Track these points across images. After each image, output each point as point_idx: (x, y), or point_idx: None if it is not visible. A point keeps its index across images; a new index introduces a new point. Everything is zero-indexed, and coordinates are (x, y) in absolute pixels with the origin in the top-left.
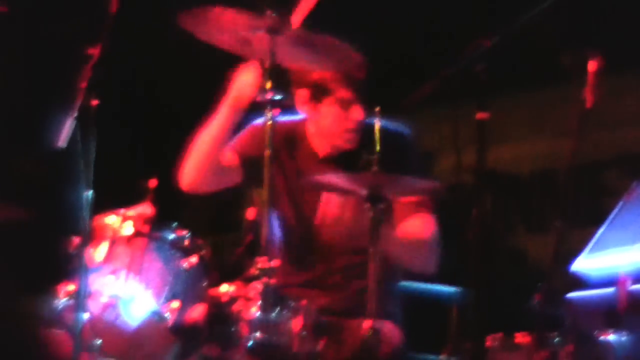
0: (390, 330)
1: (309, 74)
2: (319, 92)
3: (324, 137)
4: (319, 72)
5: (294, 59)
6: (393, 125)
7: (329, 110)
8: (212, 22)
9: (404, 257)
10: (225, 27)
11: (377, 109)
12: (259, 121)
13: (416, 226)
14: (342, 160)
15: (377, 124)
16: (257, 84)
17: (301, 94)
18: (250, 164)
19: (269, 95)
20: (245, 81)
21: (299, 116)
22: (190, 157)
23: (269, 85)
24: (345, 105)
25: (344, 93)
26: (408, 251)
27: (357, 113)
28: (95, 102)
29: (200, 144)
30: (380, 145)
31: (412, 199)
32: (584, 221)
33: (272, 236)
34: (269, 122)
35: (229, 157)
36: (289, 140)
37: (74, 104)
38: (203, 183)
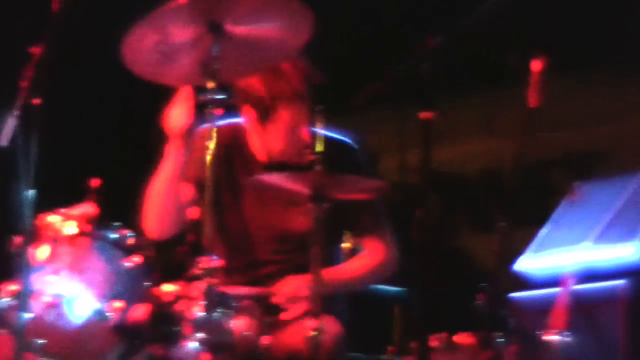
0: (331, 325)
1: (254, 90)
2: (264, 111)
3: (264, 143)
4: (264, 88)
5: (240, 55)
6: (337, 134)
7: (276, 132)
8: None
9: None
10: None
11: (320, 107)
12: (200, 129)
13: (374, 256)
14: (279, 167)
15: (319, 125)
16: (189, 112)
17: (247, 113)
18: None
19: (210, 95)
20: (176, 115)
21: (239, 119)
22: (150, 207)
23: (211, 85)
24: (292, 127)
25: (289, 116)
26: (373, 281)
27: (304, 135)
28: (37, 101)
29: (157, 193)
30: (326, 154)
31: (362, 202)
32: (529, 221)
33: (214, 235)
34: (212, 121)
35: (185, 189)
36: (229, 143)
37: (15, 103)
38: (171, 227)
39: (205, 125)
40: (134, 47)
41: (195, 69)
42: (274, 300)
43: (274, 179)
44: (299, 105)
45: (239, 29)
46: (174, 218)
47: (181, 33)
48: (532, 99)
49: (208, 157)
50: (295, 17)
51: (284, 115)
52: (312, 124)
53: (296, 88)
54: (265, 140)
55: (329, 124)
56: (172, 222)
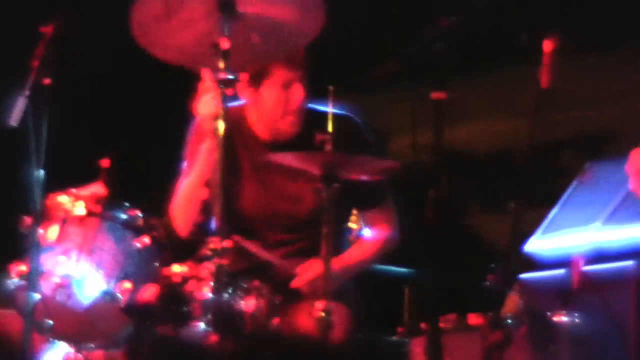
0: (341, 312)
1: None
2: (257, 75)
3: (265, 122)
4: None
5: (251, 42)
6: (340, 110)
7: (269, 93)
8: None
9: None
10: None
11: (331, 88)
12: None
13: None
14: (292, 145)
15: (330, 104)
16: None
17: (240, 79)
18: None
19: (222, 75)
20: (205, 103)
21: (238, 102)
22: (179, 206)
23: (222, 65)
24: (285, 86)
25: (283, 74)
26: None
27: (297, 93)
28: (47, 81)
29: (186, 193)
30: (334, 131)
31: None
32: (540, 201)
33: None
34: (223, 101)
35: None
36: (231, 126)
37: (26, 82)
38: (198, 224)
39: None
40: (142, 16)
41: (202, 46)
42: (293, 283)
43: (285, 158)
44: (292, 66)
45: (250, 9)
46: (199, 213)
47: (190, 6)
48: (544, 79)
49: (217, 137)
50: (307, 13)
51: (277, 75)
52: (308, 90)
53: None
54: (258, 106)
55: (341, 102)
56: (197, 217)
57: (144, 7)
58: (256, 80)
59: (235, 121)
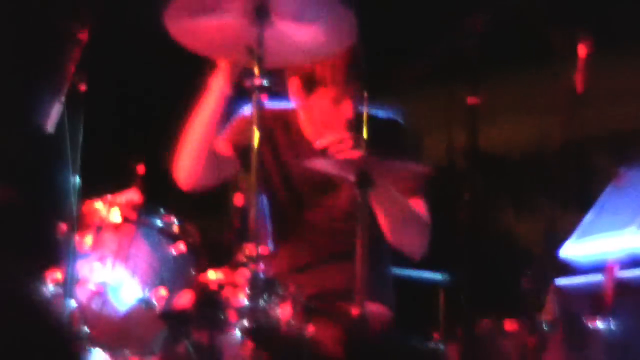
0: (379, 311)
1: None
2: (310, 83)
3: (314, 127)
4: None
5: (283, 47)
6: (383, 112)
7: (319, 102)
8: (191, 19)
9: (398, 227)
10: (206, 23)
11: (365, 94)
12: (246, 110)
13: (411, 204)
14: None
15: (365, 110)
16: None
17: (293, 83)
18: (245, 153)
19: (256, 81)
20: (221, 68)
21: (291, 104)
22: (183, 152)
23: (257, 70)
24: (336, 100)
25: (336, 88)
26: (403, 221)
27: (347, 110)
28: (83, 87)
29: (192, 136)
30: (372, 134)
31: (405, 186)
32: (574, 205)
33: (261, 222)
34: (257, 107)
35: (223, 147)
36: (282, 124)
37: (62, 88)
38: (202, 178)
39: (249, 111)
40: (176, 13)
41: (236, 45)
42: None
43: (318, 164)
44: (345, 84)
45: (283, 21)
46: (208, 170)
47: (228, 8)
48: (579, 84)
49: (254, 143)
50: (339, 22)
51: (329, 87)
52: (358, 105)
53: (345, 71)
54: (308, 112)
55: (374, 103)
56: (205, 172)
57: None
58: (308, 87)
59: (285, 122)
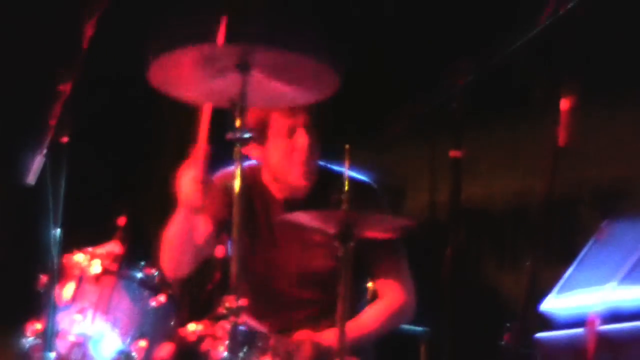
0: None
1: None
2: (261, 129)
3: (277, 178)
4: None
5: (267, 95)
6: (360, 175)
7: (274, 143)
8: (176, 70)
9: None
10: (190, 74)
11: (347, 147)
12: (220, 172)
13: (392, 302)
14: (307, 203)
15: (346, 165)
16: (198, 184)
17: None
18: (223, 224)
19: (238, 134)
20: (187, 187)
21: (251, 162)
22: (165, 252)
23: (238, 123)
24: (289, 133)
25: (284, 121)
26: (392, 328)
27: (302, 139)
28: (65, 139)
29: (172, 240)
30: (349, 194)
31: (383, 243)
32: (557, 259)
33: (242, 274)
34: (239, 160)
35: (202, 227)
36: (248, 185)
37: (43, 141)
38: (186, 268)
39: (229, 167)
40: (162, 74)
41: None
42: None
43: (300, 217)
44: (294, 114)
45: (265, 74)
46: (189, 258)
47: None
48: (561, 137)
49: (234, 196)
50: (321, 79)
51: (279, 125)
52: (313, 136)
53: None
54: (268, 162)
55: (359, 158)
56: (186, 261)
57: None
58: (260, 134)
59: (252, 180)
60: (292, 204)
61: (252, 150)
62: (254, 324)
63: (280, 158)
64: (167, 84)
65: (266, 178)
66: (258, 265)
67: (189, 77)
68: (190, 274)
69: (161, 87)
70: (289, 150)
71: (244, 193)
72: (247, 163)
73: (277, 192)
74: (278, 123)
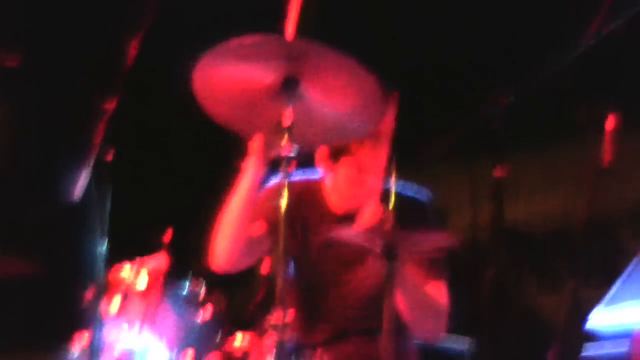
0: None
1: None
2: (337, 151)
3: (340, 196)
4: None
5: (312, 125)
6: (410, 190)
7: (345, 172)
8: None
9: (415, 316)
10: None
11: (394, 167)
12: (274, 181)
13: (431, 291)
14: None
15: (392, 183)
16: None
17: (321, 151)
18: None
19: (284, 152)
20: (258, 144)
21: (316, 174)
22: (220, 237)
23: (284, 141)
24: (362, 169)
25: (363, 156)
26: (421, 310)
27: (372, 181)
28: (110, 156)
29: (229, 221)
30: (398, 212)
31: (424, 264)
32: (598, 280)
33: (287, 290)
34: (285, 177)
35: (257, 226)
36: (309, 195)
37: (89, 157)
38: (237, 262)
39: (276, 181)
40: (207, 83)
41: (269, 123)
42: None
43: (344, 234)
44: (374, 146)
45: (313, 93)
46: (243, 253)
47: (258, 78)
48: (606, 158)
49: (281, 214)
50: (371, 99)
51: (355, 159)
52: (388, 175)
53: (372, 142)
54: (334, 183)
55: (401, 178)
56: (240, 256)
57: (209, 73)
58: (335, 155)
59: (311, 194)
60: (348, 220)
61: (321, 162)
62: (301, 337)
63: (348, 187)
64: (212, 103)
65: (327, 191)
66: (310, 280)
67: (234, 97)
68: (237, 271)
69: (207, 106)
70: (357, 184)
71: (298, 209)
72: (306, 177)
73: (336, 207)
74: (355, 157)
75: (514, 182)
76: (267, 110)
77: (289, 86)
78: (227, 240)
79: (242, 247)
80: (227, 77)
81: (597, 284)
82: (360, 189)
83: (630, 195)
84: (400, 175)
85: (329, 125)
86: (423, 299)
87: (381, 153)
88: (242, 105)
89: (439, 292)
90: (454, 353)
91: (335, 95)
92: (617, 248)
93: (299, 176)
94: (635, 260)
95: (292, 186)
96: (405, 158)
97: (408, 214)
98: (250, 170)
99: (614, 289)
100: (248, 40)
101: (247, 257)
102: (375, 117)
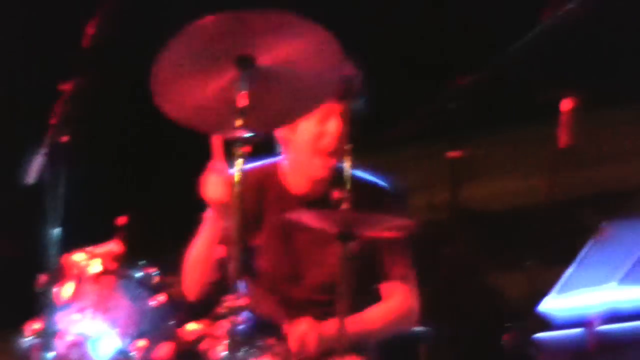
0: None
1: None
2: None
3: (299, 168)
4: None
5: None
6: (372, 176)
7: (305, 126)
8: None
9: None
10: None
11: (349, 146)
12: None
13: (397, 304)
14: (323, 202)
15: (347, 163)
16: (226, 183)
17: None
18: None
19: (238, 133)
20: (213, 185)
21: (271, 159)
22: (190, 274)
23: (239, 122)
24: (323, 120)
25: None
26: (394, 329)
27: (334, 124)
28: (65, 139)
29: (193, 266)
30: (356, 195)
31: (389, 245)
32: (558, 260)
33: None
34: (240, 160)
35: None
36: (261, 184)
37: (44, 140)
38: (208, 289)
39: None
40: (165, 80)
41: (219, 106)
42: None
43: (301, 216)
44: (333, 101)
45: (268, 60)
46: (211, 280)
47: (213, 67)
48: (563, 138)
49: (234, 197)
50: (321, 42)
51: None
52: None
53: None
54: (293, 146)
55: (358, 162)
56: (210, 284)
57: (166, 67)
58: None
59: (267, 178)
60: (308, 202)
61: (283, 134)
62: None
63: (308, 141)
64: (169, 102)
65: (284, 174)
66: (264, 263)
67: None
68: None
69: (165, 107)
70: (318, 135)
71: (255, 195)
72: (262, 162)
73: (295, 188)
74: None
75: (474, 162)
76: (226, 99)
77: (243, 65)
78: (195, 281)
79: (209, 277)
80: (184, 79)
81: (557, 264)
82: (323, 142)
83: (591, 175)
84: (358, 157)
85: (290, 99)
86: (390, 327)
87: (341, 102)
88: (202, 104)
89: (403, 266)
90: (412, 334)
91: (295, 61)
92: (578, 228)
93: (255, 165)
94: (588, 245)
95: (248, 173)
96: (363, 140)
97: (367, 198)
98: (210, 220)
99: (567, 275)
100: (192, 27)
101: (212, 282)
102: (333, 58)
